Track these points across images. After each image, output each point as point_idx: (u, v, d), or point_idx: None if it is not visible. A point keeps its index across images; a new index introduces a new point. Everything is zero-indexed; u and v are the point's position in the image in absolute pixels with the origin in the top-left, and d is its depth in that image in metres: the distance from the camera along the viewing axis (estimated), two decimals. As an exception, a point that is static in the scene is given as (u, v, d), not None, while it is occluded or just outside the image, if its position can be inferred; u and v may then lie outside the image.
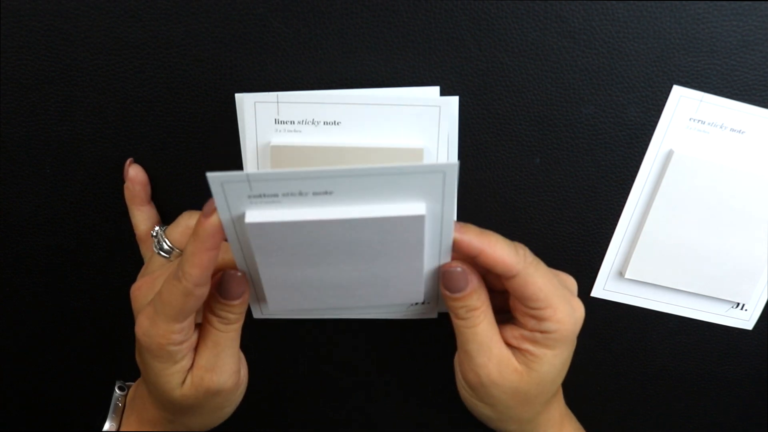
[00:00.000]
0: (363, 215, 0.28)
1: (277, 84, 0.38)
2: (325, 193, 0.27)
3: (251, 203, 0.28)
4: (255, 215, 0.28)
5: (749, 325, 0.44)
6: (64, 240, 0.43)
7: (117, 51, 0.37)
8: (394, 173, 0.27)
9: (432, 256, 0.33)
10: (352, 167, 0.26)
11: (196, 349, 0.34)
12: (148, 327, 0.32)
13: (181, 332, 0.32)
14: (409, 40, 0.37)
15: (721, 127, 0.38)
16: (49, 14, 0.36)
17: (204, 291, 0.31)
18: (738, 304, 0.43)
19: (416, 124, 0.37)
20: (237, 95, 0.38)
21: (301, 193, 0.27)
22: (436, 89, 0.38)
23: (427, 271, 0.33)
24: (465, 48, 0.37)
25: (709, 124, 0.38)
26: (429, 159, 0.38)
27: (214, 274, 0.33)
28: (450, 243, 0.32)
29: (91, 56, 0.37)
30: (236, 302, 0.33)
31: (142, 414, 0.38)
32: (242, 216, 0.28)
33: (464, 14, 0.36)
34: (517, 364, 0.34)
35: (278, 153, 0.37)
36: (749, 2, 0.35)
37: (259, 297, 0.35)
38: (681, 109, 0.38)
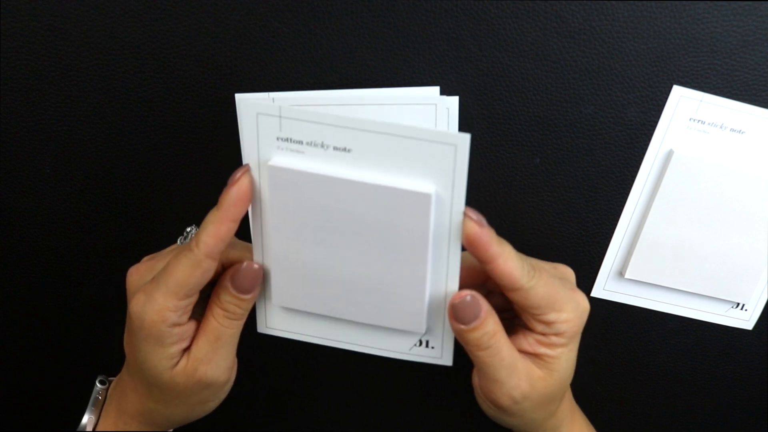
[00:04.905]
0: (374, 181, 0.30)
1: (277, 84, 0.38)
2: (345, 149, 0.30)
3: (278, 148, 0.30)
4: (279, 161, 0.31)
5: (749, 325, 0.44)
6: (64, 240, 0.43)
7: (117, 51, 0.37)
8: (408, 135, 0.29)
9: (437, 271, 0.32)
10: (371, 121, 0.29)
11: (194, 339, 0.34)
12: (143, 302, 0.32)
13: (177, 311, 0.32)
14: (409, 40, 0.37)
15: (721, 127, 0.38)
16: (49, 14, 0.36)
17: (211, 267, 0.31)
18: (738, 304, 0.43)
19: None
20: (237, 95, 0.38)
21: (323, 145, 0.30)
22: (436, 89, 0.38)
23: (431, 295, 0.33)
24: (465, 48, 0.37)
25: (709, 124, 0.38)
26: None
27: (228, 267, 0.33)
28: (458, 258, 0.31)
29: (91, 56, 0.37)
30: (247, 296, 0.33)
31: (121, 402, 0.37)
32: (267, 162, 0.31)
33: (464, 14, 0.36)
34: (539, 370, 0.34)
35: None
36: (749, 2, 0.35)
37: (266, 295, 0.35)
38: (681, 109, 0.38)
